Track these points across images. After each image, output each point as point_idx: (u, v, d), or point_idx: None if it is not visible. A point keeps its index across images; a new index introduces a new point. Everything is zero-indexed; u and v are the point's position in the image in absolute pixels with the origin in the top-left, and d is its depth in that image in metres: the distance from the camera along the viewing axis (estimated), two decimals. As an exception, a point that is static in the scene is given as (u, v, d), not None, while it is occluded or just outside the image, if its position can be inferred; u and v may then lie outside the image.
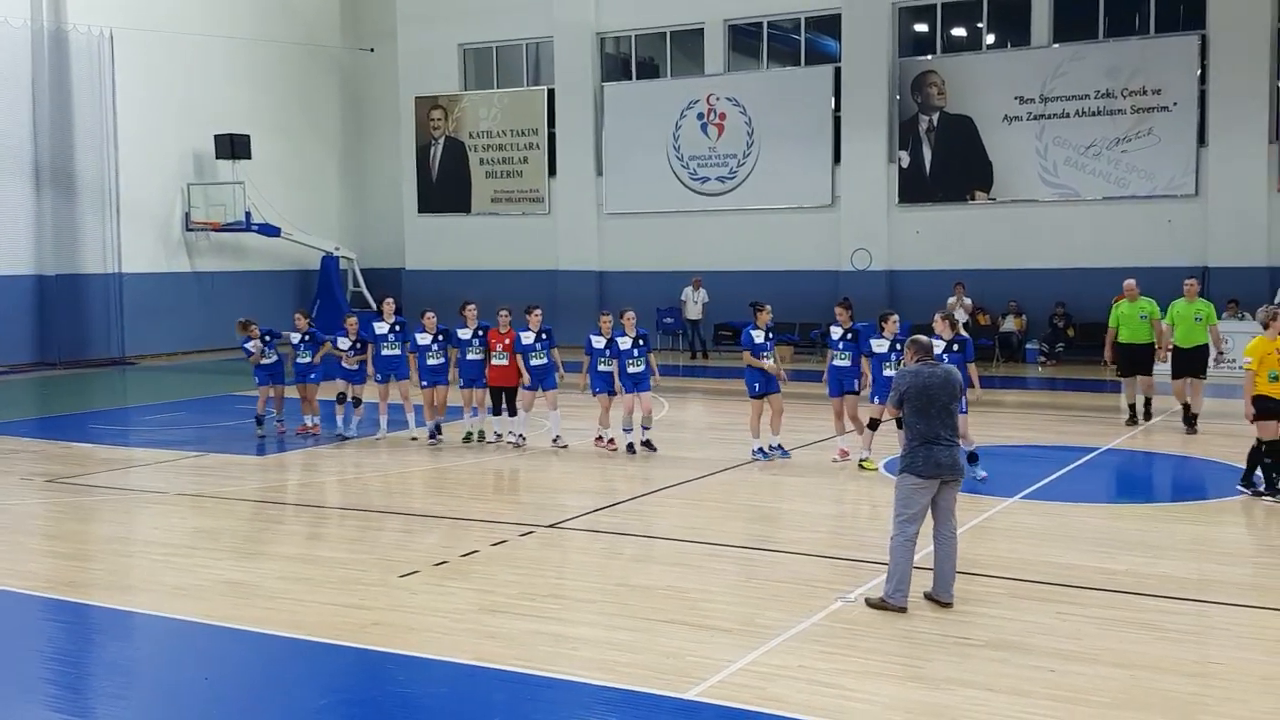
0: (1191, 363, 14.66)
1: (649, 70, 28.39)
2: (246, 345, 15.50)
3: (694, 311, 25.73)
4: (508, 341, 13.94)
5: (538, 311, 14.00)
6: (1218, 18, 22.08)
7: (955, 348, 11.74)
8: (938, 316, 12.00)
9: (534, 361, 13.85)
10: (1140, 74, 22.76)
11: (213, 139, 27.66)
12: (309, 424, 15.44)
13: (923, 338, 8.07)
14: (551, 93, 28.59)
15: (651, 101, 27.47)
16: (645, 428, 13.51)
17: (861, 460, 12.35)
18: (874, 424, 11.68)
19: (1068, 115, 23.47)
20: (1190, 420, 14.57)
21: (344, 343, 15.21)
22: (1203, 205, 22.45)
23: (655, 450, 13.48)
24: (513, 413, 14.16)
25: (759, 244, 26.13)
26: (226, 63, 28.42)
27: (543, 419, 14.44)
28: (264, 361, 15.34)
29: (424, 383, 14.49)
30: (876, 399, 12.07)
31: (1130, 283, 15.46)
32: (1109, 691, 6.27)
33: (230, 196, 27.56)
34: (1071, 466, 12.13)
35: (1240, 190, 22.00)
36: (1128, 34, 23.29)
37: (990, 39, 25.04)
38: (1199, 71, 22.37)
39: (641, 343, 13.37)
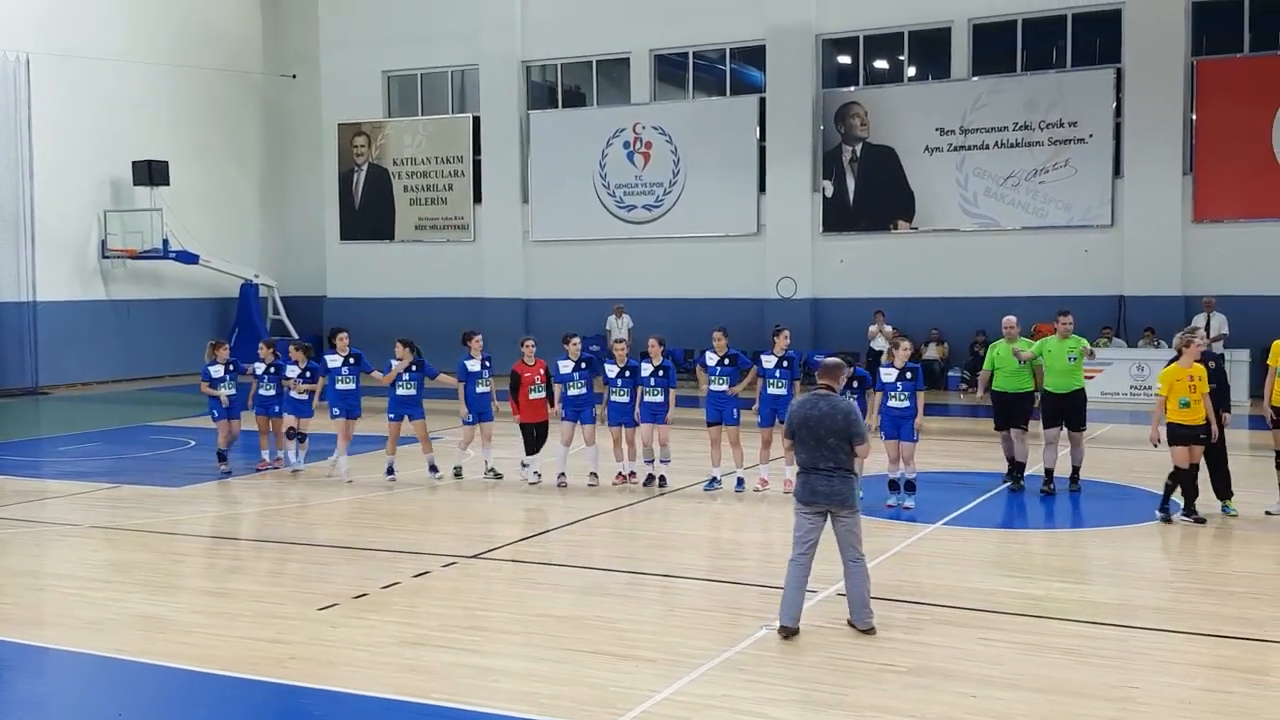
0: (1066, 410, 12.38)
1: (575, 99, 28.43)
2: (210, 369, 14.73)
3: (616, 339, 25.54)
4: (542, 374, 13.45)
5: (576, 340, 13.54)
6: (1132, 52, 22.72)
7: (909, 375, 11.82)
8: (904, 344, 12.09)
9: (572, 391, 13.22)
10: (1057, 107, 23.29)
11: (130, 165, 27.03)
12: (268, 459, 14.65)
13: (833, 359, 7.98)
14: (477, 120, 28.50)
15: (578, 130, 27.48)
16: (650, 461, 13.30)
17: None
18: None
19: (987, 147, 23.92)
20: (1073, 477, 12.63)
21: (292, 370, 14.42)
22: (1119, 235, 22.98)
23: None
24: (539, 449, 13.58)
25: (686, 272, 26.20)
26: (146, 88, 27.87)
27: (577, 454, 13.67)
28: (225, 392, 14.52)
29: (390, 415, 13.87)
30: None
31: (1010, 320, 13.19)
32: (1030, 716, 6.30)
33: (148, 223, 27.00)
34: (993, 493, 12.21)
35: (1155, 220, 22.57)
36: (1045, 67, 23.86)
37: (911, 71, 25.48)
38: (1114, 104, 22.97)
39: (662, 373, 12.98)
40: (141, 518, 12.02)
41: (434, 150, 29.08)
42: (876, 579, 9.11)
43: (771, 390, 12.58)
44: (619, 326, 25.38)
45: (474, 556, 10.12)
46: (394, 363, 13.71)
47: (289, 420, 14.42)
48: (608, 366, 13.20)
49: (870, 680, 6.84)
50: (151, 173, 26.90)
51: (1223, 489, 11.28)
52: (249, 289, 29.73)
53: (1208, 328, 20.55)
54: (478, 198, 28.59)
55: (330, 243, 30.35)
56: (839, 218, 25.26)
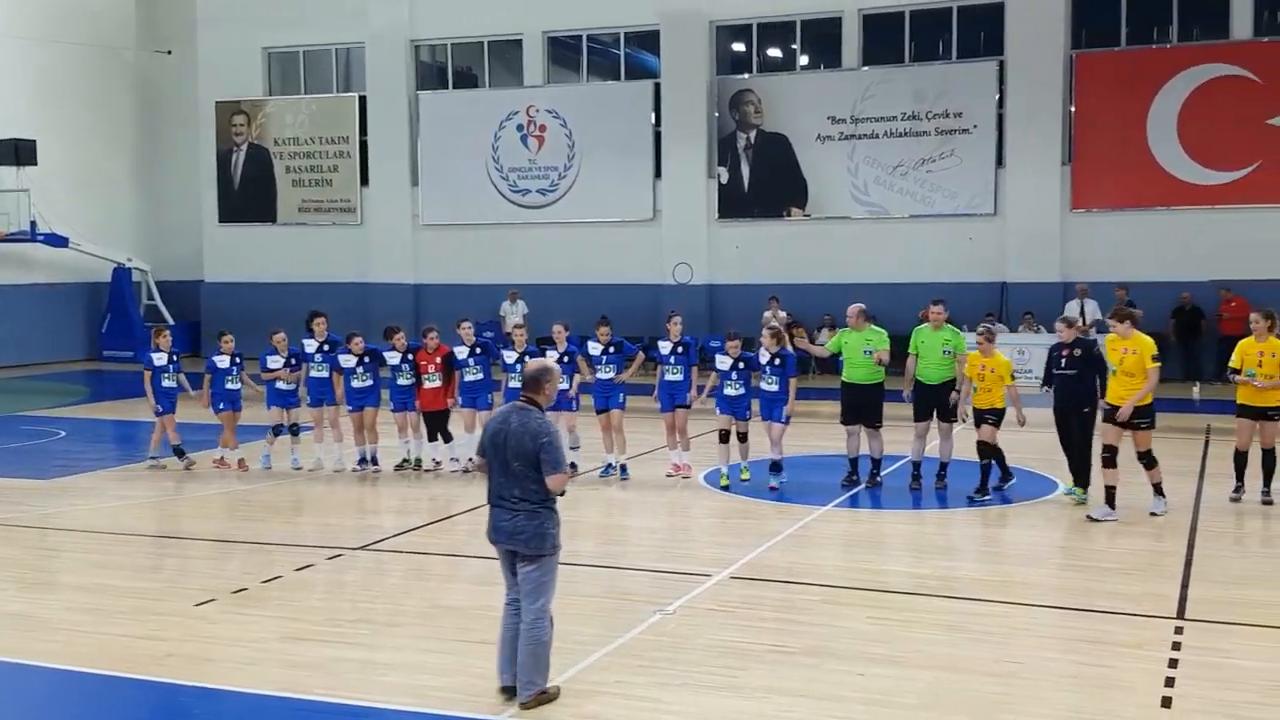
0: (936, 402, 11.82)
1: (466, 80, 27.95)
2: (151, 356, 13.63)
3: (513, 325, 25.24)
4: (439, 361, 12.94)
5: (467, 325, 13.15)
6: (1014, 44, 23.25)
7: (778, 362, 11.93)
8: (765, 333, 12.19)
9: (469, 377, 12.86)
10: (943, 97, 23.73)
11: (-6, 144, 25.71)
12: (229, 458, 13.61)
13: (536, 365, 6.49)
14: (363, 100, 27.82)
15: (469, 111, 27.02)
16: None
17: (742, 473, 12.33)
18: (723, 436, 12.07)
19: (877, 136, 24.27)
20: (939, 473, 11.96)
21: (275, 361, 13.41)
22: (1001, 223, 23.55)
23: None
24: (447, 439, 13.10)
25: (581, 257, 26.00)
26: (10, 64, 26.55)
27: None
28: (163, 384, 13.44)
29: (349, 406, 13.21)
30: (717, 410, 12.30)
31: (855, 307, 12.25)
32: (915, 693, 6.41)
33: (14, 205, 25.85)
34: (883, 474, 12.33)
35: (1035, 209, 23.18)
36: (932, 59, 24.28)
37: (804, 60, 25.71)
38: (997, 96, 23.50)
39: (567, 359, 12.68)
40: (9, 512, 11.43)
41: (318, 130, 28.31)
42: (767, 561, 9.27)
43: (669, 377, 12.52)
44: (514, 312, 25.07)
45: (361, 548, 9.88)
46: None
47: (278, 414, 13.56)
48: (506, 352, 13.03)
49: (761, 662, 6.87)
50: (18, 152, 25.67)
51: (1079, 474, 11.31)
52: (122, 273, 28.62)
53: (1082, 314, 21.24)
54: (364, 180, 27.94)
55: (208, 225, 29.36)
56: (734, 204, 25.36)
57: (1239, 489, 11.15)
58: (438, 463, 13.21)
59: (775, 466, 11.97)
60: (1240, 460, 11.15)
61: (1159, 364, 10.36)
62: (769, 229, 25.15)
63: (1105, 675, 6.74)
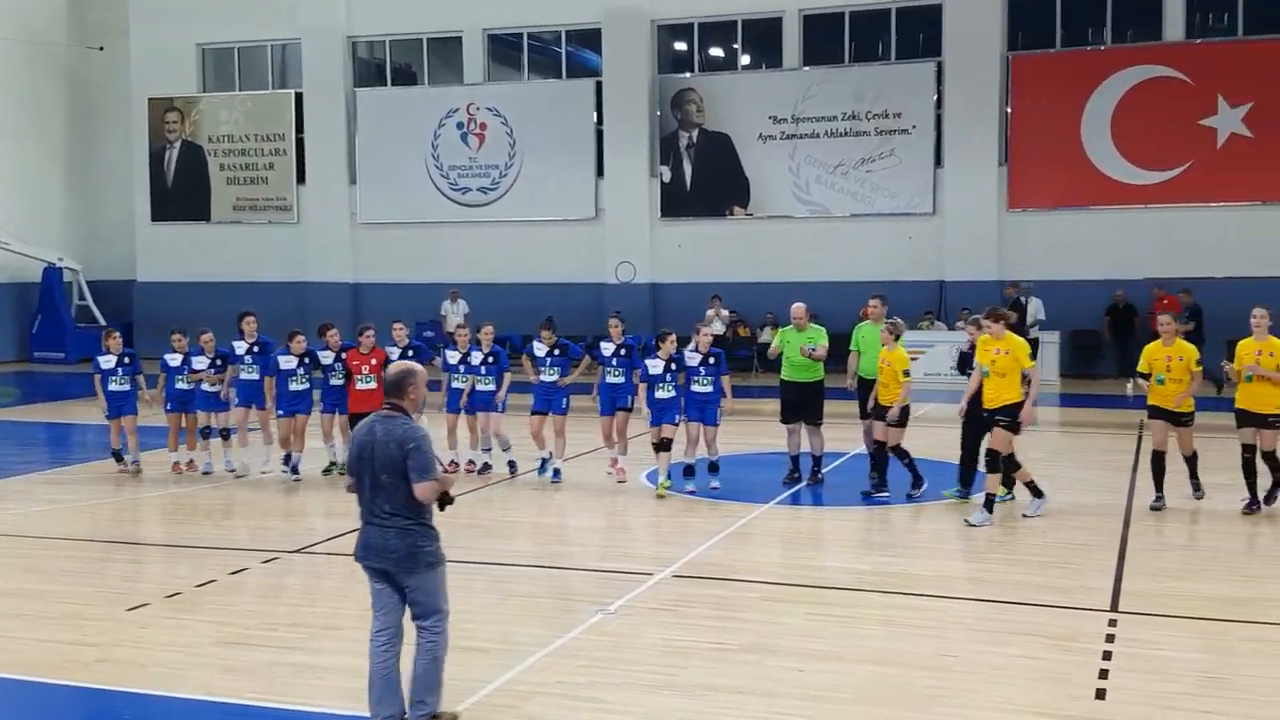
0: (869, 395, 11.64)
1: (405, 77, 27.70)
2: (100, 360, 13.06)
3: (454, 325, 25.06)
4: (375, 363, 12.43)
5: (400, 326, 12.99)
6: (952, 46, 23.52)
7: (712, 361, 11.81)
8: (703, 330, 12.09)
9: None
10: (883, 98, 23.93)
11: (-84, 139, 25.02)
12: (183, 461, 13.22)
13: (398, 368, 6.03)
14: (300, 97, 27.45)
15: (409, 109, 26.78)
16: (487, 449, 12.91)
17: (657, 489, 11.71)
18: (662, 445, 11.72)
19: (818, 135, 24.41)
20: (878, 462, 11.62)
21: (200, 362, 13.00)
22: (940, 222, 23.81)
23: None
24: None
25: (523, 256, 25.87)
26: (-66, 56, 25.78)
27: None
28: (116, 388, 12.98)
29: (280, 411, 12.73)
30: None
31: (799, 306, 12.14)
32: (852, 688, 6.45)
33: (-62, 203, 25.07)
34: (823, 471, 12.37)
35: (973, 209, 23.46)
36: (871, 59, 24.47)
37: (745, 59, 25.79)
38: (935, 96, 23.75)
39: (492, 360, 12.62)
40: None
41: (253, 128, 27.90)
42: (709, 559, 9.26)
43: (610, 379, 12.31)
44: (454, 311, 24.87)
45: (296, 551, 9.69)
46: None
47: (204, 418, 13.09)
48: (449, 353, 12.86)
49: (702, 659, 6.88)
50: (-58, 148, 25.00)
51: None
52: (52, 273, 27.93)
53: (1024, 312, 21.53)
54: (301, 178, 27.59)
55: (140, 224, 28.82)
56: (677, 203, 25.37)
57: (1159, 499, 10.72)
58: None
59: (714, 467, 11.89)
60: (1158, 464, 10.72)
61: (1034, 363, 10.29)
62: (712, 228, 25.19)
63: (1040, 667, 6.78)
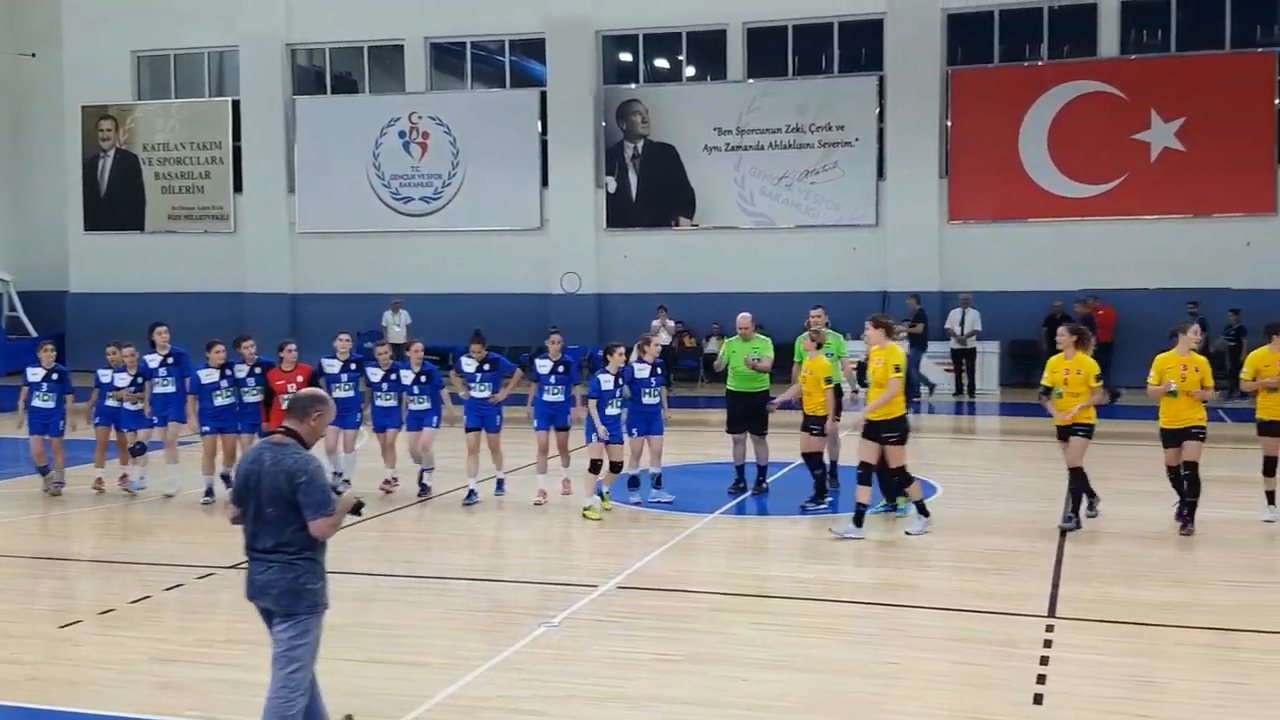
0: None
1: (346, 85, 27.47)
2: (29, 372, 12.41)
3: (396, 335, 24.79)
4: (301, 379, 11.78)
5: (345, 338, 12.39)
6: (893, 60, 23.77)
7: (659, 371, 11.75)
8: (652, 340, 11.94)
9: (339, 394, 11.80)
10: (826, 111, 24.11)
11: None
12: (106, 478, 12.62)
13: (305, 393, 5.67)
14: (237, 104, 27.11)
15: (349, 117, 26.54)
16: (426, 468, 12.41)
17: (584, 509, 11.22)
18: (595, 466, 11.25)
19: (762, 147, 24.53)
20: (830, 473, 11.85)
21: (122, 379, 12.40)
22: (882, 234, 24.00)
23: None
24: None
25: (466, 266, 25.68)
26: None
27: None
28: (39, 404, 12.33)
29: (206, 428, 12.06)
30: (594, 437, 11.25)
31: (744, 317, 12.22)
32: (797, 696, 6.46)
33: None
34: (770, 480, 12.34)
35: (914, 221, 23.69)
36: (815, 73, 24.67)
37: (690, 71, 25.87)
38: (877, 110, 23.97)
39: (424, 378, 12.10)
40: None
41: (189, 135, 27.49)
42: (653, 570, 9.22)
43: (547, 397, 11.88)
44: (396, 322, 24.59)
45: (232, 567, 9.41)
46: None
47: (132, 435, 12.51)
48: (370, 370, 12.29)
49: (647, 671, 6.84)
50: None
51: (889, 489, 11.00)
52: (-18, 284, 27.33)
53: (962, 323, 21.78)
54: (238, 186, 27.24)
55: (73, 233, 28.28)
56: (622, 213, 25.35)
57: (1091, 505, 10.67)
58: None
59: (659, 480, 11.78)
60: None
61: (900, 374, 9.96)
62: (657, 238, 25.19)
63: (980, 674, 6.82)
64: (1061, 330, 10.53)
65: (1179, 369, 10.06)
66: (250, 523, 5.34)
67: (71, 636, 7.64)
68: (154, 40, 27.60)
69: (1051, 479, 12.67)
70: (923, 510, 10.39)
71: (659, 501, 11.62)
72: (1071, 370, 10.21)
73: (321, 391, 5.78)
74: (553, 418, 11.90)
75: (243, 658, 7.15)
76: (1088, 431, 10.25)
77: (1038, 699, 6.34)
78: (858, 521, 10.08)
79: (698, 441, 14.68)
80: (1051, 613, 7.95)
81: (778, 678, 6.71)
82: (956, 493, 12.30)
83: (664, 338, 22.57)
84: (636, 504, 11.60)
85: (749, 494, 12.10)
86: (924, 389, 20.25)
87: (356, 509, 5.46)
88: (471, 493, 11.85)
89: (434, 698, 6.40)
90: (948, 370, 22.11)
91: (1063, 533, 10.11)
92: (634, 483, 11.86)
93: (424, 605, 8.47)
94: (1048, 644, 7.26)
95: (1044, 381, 10.55)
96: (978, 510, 11.30)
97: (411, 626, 7.88)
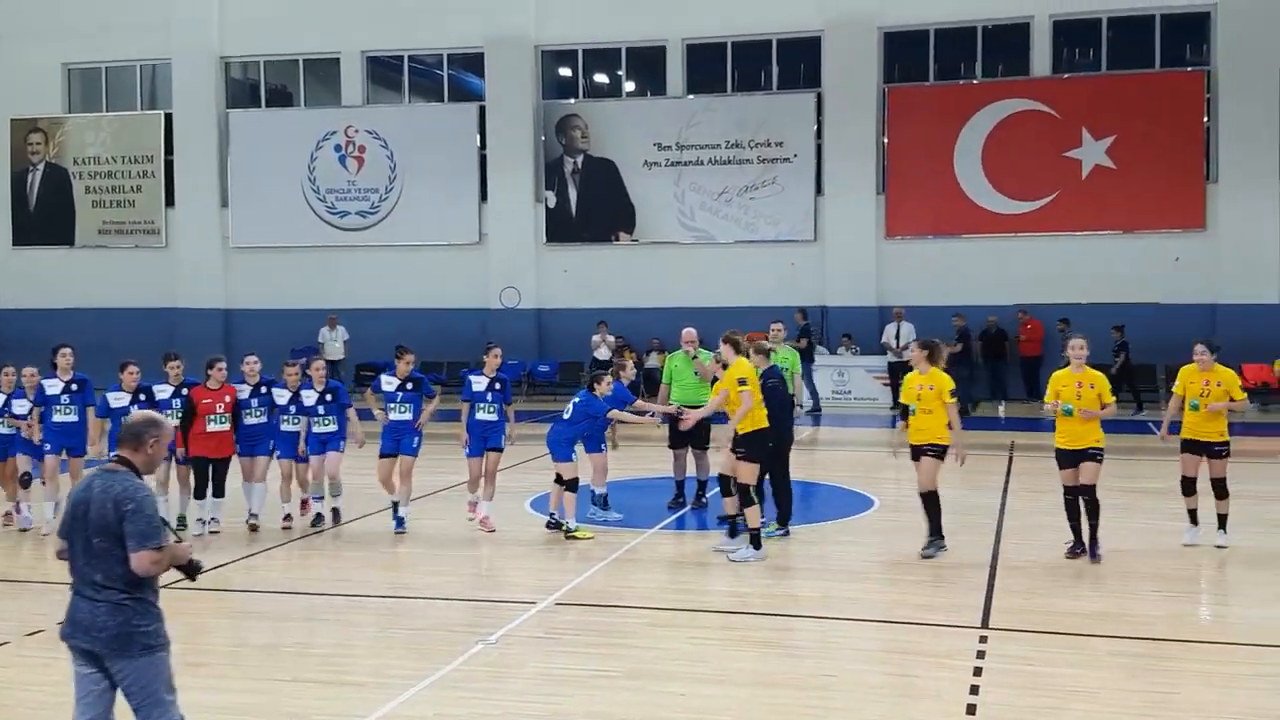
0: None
1: (281, 98, 27.13)
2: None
3: (334, 352, 24.46)
4: (229, 400, 11.07)
5: (253, 360, 11.43)
6: (831, 78, 23.99)
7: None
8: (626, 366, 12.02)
9: (249, 420, 11.22)
10: (765, 127, 24.27)
11: None
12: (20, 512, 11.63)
13: (138, 418, 5.18)
14: (170, 118, 26.67)
15: (284, 131, 26.22)
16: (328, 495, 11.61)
17: (570, 530, 10.81)
18: (565, 482, 10.86)
19: (702, 163, 24.62)
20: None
21: (20, 406, 11.46)
22: (821, 250, 24.17)
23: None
24: (220, 493, 11.13)
25: (405, 281, 25.43)
26: None
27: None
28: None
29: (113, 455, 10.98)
30: (556, 456, 10.94)
31: (689, 331, 12.23)
32: (735, 710, 6.46)
33: None
34: (709, 494, 12.31)
35: (852, 236, 23.88)
36: (754, 89, 24.82)
37: (630, 86, 25.90)
38: (815, 126, 24.17)
39: (330, 397, 11.36)
40: None
41: (120, 149, 27.00)
42: (592, 586, 9.16)
43: (481, 416, 11.27)
44: (333, 338, 24.28)
45: (163, 586, 9.08)
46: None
47: (24, 462, 11.53)
48: (277, 391, 11.39)
49: (583, 688, 6.79)
50: None
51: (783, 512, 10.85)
52: (-97, 300, 26.50)
53: (897, 337, 21.98)
54: (170, 200, 26.79)
55: (1, 249, 27.64)
56: (562, 228, 25.28)
57: (933, 543, 9.96)
58: (206, 522, 11.08)
59: (605, 499, 11.60)
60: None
61: (745, 387, 9.72)
62: (597, 253, 25.15)
63: (914, 685, 6.85)
64: (913, 345, 10.27)
65: (1074, 386, 9.54)
66: (79, 556, 4.91)
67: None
68: (85, 53, 27.11)
69: (986, 491, 12.84)
70: (756, 542, 9.85)
71: (615, 519, 11.46)
72: (925, 385, 9.78)
73: (155, 414, 5.28)
74: (486, 439, 11.22)
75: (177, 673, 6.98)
76: (939, 452, 9.74)
77: (970, 709, 6.37)
78: (732, 534, 10.14)
79: (638, 456, 14.61)
80: (985, 624, 8.00)
81: (715, 692, 6.72)
82: (890, 505, 12.37)
83: (604, 353, 22.51)
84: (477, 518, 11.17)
85: (689, 509, 12.06)
86: (807, 402, 20.06)
87: (191, 570, 5.05)
88: (400, 520, 11.18)
89: (366, 718, 6.29)
90: (884, 385, 22.28)
91: (924, 557, 9.74)
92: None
93: (358, 625, 8.33)
94: (981, 655, 7.30)
95: (901, 399, 10.24)
96: (912, 523, 11.34)
97: (344, 646, 7.77)
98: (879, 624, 8.16)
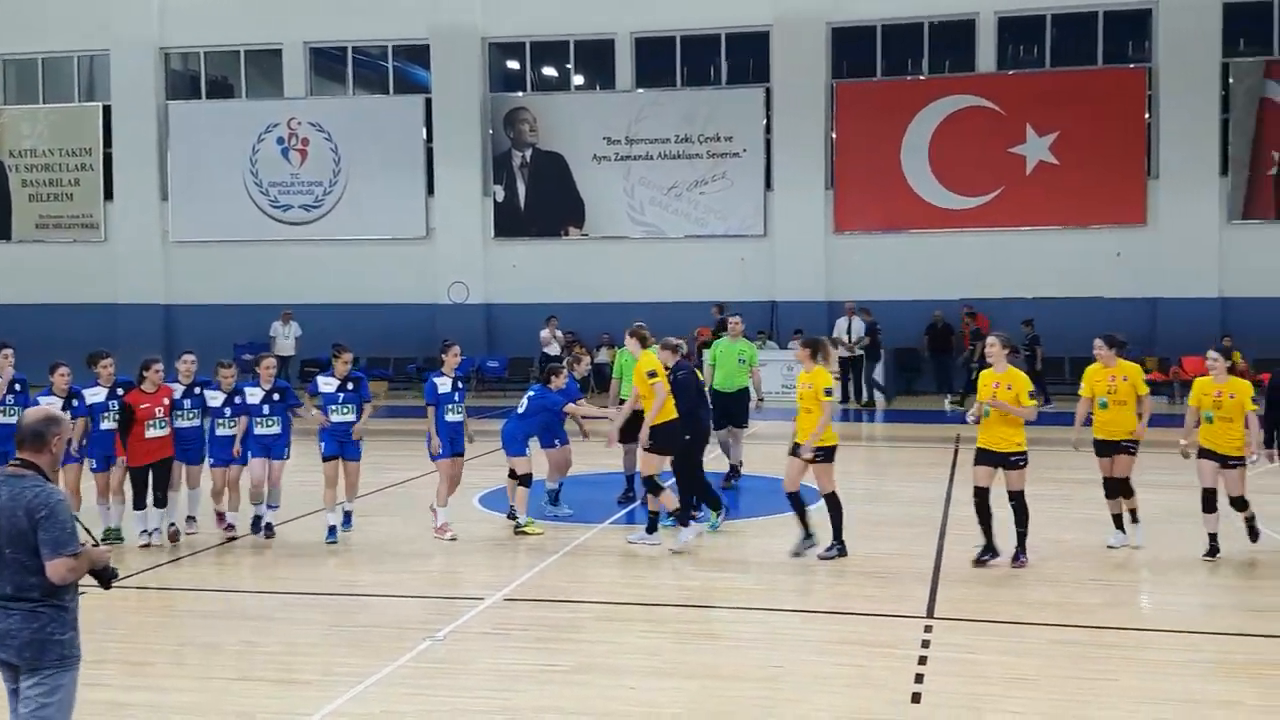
0: (732, 408, 12.52)
1: (222, 90, 26.69)
2: None
3: (286, 347, 24.10)
4: (168, 403, 10.39)
5: (190, 358, 10.70)
6: (780, 73, 24.04)
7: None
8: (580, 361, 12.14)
9: (181, 423, 10.52)
10: (714, 122, 24.28)
11: None
12: None
13: (33, 415, 4.90)
14: (108, 110, 26.17)
15: (225, 123, 25.83)
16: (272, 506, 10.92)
17: (520, 525, 10.69)
18: (519, 477, 10.76)
19: (651, 157, 24.57)
20: (732, 474, 12.81)
21: None
22: (770, 244, 24.24)
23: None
24: (162, 502, 10.44)
25: (351, 276, 25.15)
26: None
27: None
28: None
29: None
30: (510, 451, 10.79)
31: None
32: (682, 703, 6.49)
33: None
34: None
35: (801, 231, 23.98)
36: (702, 84, 24.82)
37: (579, 80, 25.78)
38: (765, 121, 24.22)
39: (277, 396, 10.71)
40: None
41: (57, 142, 26.47)
42: (542, 581, 9.16)
43: (450, 417, 10.74)
44: (285, 334, 23.91)
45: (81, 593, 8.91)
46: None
47: None
48: (210, 393, 10.70)
49: (533, 682, 6.78)
50: None
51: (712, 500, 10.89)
52: None
53: (849, 332, 22.09)
54: (109, 194, 26.28)
55: (-66, 243, 26.92)
56: (511, 222, 25.12)
57: (806, 539, 9.67)
58: (150, 533, 10.40)
59: (556, 494, 11.57)
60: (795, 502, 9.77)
61: (655, 379, 9.78)
62: (547, 248, 25.03)
63: (860, 674, 6.89)
64: (794, 343, 10.09)
65: (990, 386, 9.18)
66: None
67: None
68: (21, 43, 26.54)
69: (933, 483, 12.96)
70: (652, 526, 10.07)
71: (566, 514, 11.41)
72: (805, 384, 9.55)
73: (53, 410, 5.05)
74: (454, 441, 10.70)
75: (116, 678, 6.94)
76: (827, 454, 9.43)
77: (915, 697, 6.42)
78: (650, 529, 10.18)
79: (588, 451, 14.55)
80: (930, 614, 8.06)
81: (665, 685, 6.74)
82: (840, 497, 12.36)
83: (554, 349, 22.39)
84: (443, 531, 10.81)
85: (638, 503, 12.00)
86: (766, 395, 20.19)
87: (106, 577, 4.89)
88: (333, 529, 10.61)
89: (313, 716, 6.24)
90: (835, 378, 22.33)
91: (818, 559, 9.51)
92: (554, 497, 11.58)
93: (304, 622, 8.22)
94: (925, 644, 7.36)
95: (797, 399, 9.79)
96: (860, 515, 11.38)
97: (290, 644, 7.68)
98: (826, 615, 8.24)
